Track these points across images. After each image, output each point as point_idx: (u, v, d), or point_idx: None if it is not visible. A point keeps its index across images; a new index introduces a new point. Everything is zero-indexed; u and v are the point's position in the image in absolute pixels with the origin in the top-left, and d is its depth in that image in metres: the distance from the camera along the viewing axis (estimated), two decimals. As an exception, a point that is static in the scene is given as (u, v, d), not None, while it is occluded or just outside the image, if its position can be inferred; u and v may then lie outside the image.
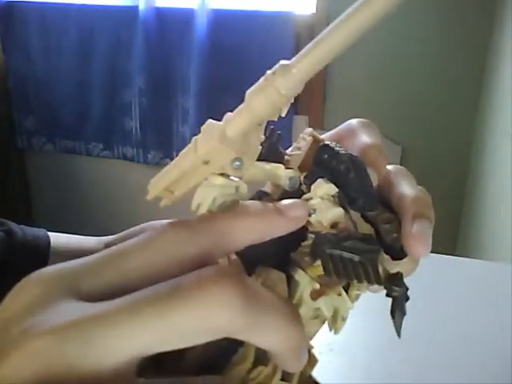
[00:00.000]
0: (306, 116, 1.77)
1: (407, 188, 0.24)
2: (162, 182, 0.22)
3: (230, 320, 0.17)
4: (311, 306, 0.22)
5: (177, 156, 0.22)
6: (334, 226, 0.22)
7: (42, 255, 0.42)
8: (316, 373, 0.25)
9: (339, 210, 0.22)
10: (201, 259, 0.20)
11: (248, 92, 0.20)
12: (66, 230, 0.47)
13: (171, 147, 1.88)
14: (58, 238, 0.44)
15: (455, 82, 1.63)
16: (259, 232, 0.21)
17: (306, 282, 0.22)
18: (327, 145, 0.24)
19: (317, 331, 0.23)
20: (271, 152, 0.25)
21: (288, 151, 0.27)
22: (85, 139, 1.98)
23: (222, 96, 1.71)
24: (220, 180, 0.21)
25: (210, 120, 0.21)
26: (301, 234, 0.22)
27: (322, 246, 0.21)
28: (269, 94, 0.19)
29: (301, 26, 1.67)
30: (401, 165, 0.26)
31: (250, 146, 0.21)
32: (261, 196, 0.25)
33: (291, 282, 0.22)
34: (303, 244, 0.23)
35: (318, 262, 0.22)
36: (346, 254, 0.21)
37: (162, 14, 1.76)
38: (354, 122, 0.28)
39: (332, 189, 0.23)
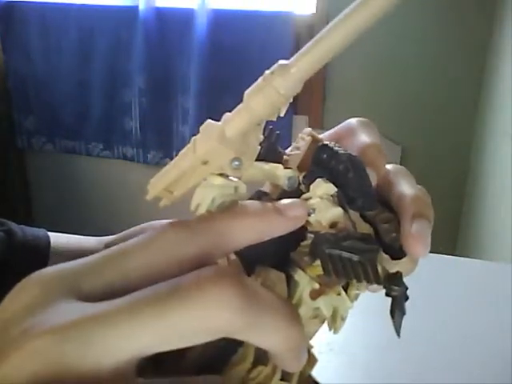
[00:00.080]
0: (306, 116, 1.77)
1: (406, 187, 0.24)
2: (162, 182, 0.22)
3: (230, 320, 0.17)
4: (311, 306, 0.22)
5: (176, 156, 0.22)
6: (333, 225, 0.22)
7: (41, 255, 0.42)
8: (315, 372, 0.25)
9: (338, 210, 0.22)
10: (200, 259, 0.20)
11: (247, 92, 0.20)
12: (65, 230, 0.47)
13: (171, 147, 1.88)
14: (57, 238, 0.44)
15: (455, 82, 1.63)
16: (258, 232, 0.21)
17: (305, 281, 0.22)
18: (326, 144, 0.24)
19: (316, 331, 0.23)
20: (270, 152, 0.25)
21: (287, 151, 0.27)
22: (85, 139, 1.98)
23: (221, 96, 1.71)
24: (219, 180, 0.21)
25: (209, 120, 0.21)
26: (300, 233, 0.22)
27: (321, 245, 0.21)
28: (268, 94, 0.19)
29: (301, 26, 1.67)
30: (400, 165, 0.26)
31: (249, 146, 0.21)
32: (260, 196, 0.25)
33: (290, 282, 0.22)
34: (302, 244, 0.23)
35: (318, 262, 0.22)
36: (345, 254, 0.21)
37: (162, 14, 1.76)
38: (352, 121, 0.28)
39: (331, 188, 0.23)
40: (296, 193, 0.24)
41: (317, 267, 0.22)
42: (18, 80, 1.95)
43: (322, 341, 0.52)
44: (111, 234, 0.43)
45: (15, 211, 2.09)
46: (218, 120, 0.21)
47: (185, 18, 1.72)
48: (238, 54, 1.72)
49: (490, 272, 0.66)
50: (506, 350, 0.51)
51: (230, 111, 0.21)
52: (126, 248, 0.20)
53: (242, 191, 0.22)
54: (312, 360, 0.24)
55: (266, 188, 0.28)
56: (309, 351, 0.24)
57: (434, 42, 1.61)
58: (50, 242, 0.43)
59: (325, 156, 0.23)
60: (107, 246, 0.42)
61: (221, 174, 0.21)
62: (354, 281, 0.21)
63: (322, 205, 0.22)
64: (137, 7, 1.74)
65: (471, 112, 1.63)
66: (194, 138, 0.21)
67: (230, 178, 0.22)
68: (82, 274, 0.19)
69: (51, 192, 2.13)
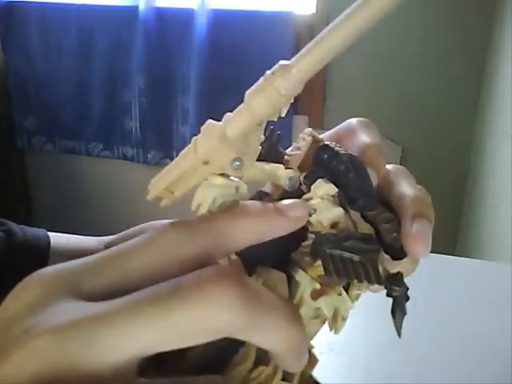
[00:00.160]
0: (306, 116, 1.77)
1: (407, 187, 0.24)
2: (162, 182, 0.22)
3: (231, 320, 0.17)
4: (312, 306, 0.22)
5: (177, 156, 0.22)
6: (334, 225, 0.22)
7: (42, 255, 0.42)
8: (316, 373, 0.25)
9: (339, 210, 0.22)
10: (201, 259, 0.20)
11: (247, 92, 0.20)
12: (65, 230, 0.47)
13: (171, 147, 1.88)
14: (57, 238, 0.44)
15: (455, 82, 1.63)
16: (259, 232, 0.21)
17: (306, 282, 0.22)
18: (327, 145, 0.24)
19: (317, 331, 0.23)
20: (271, 152, 0.25)
21: (288, 151, 0.27)
22: (85, 139, 1.98)
23: (222, 96, 1.71)
24: (220, 180, 0.21)
25: (210, 120, 0.21)
26: (301, 234, 0.22)
27: (322, 245, 0.21)
28: (268, 94, 0.19)
29: (301, 26, 1.67)
30: (401, 165, 0.26)
31: (250, 146, 0.21)
32: (261, 196, 0.25)
33: (292, 282, 0.22)
34: (303, 244, 0.23)
35: (319, 262, 0.22)
36: (346, 254, 0.21)
37: (162, 14, 1.76)
38: (353, 121, 0.28)
39: (332, 189, 0.23)
40: (297, 193, 0.24)
41: (318, 267, 0.22)
42: (18, 80, 1.95)
43: (323, 341, 0.52)
44: (111, 234, 0.43)
45: (15, 211, 2.09)
46: (219, 120, 0.21)
47: (185, 18, 1.72)
48: (238, 54, 1.72)
49: (489, 272, 0.66)
50: (506, 350, 0.51)
51: (230, 111, 0.21)
52: (127, 248, 0.20)
53: (243, 191, 0.22)
54: (313, 360, 0.24)
55: (267, 188, 0.28)
56: (310, 351, 0.24)
57: (434, 42, 1.61)
58: (49, 242, 0.43)
59: (325, 156, 0.23)
60: (107, 246, 0.42)
61: (222, 174, 0.21)
62: (355, 281, 0.21)
63: (322, 205, 0.22)
64: (137, 7, 1.74)
65: (471, 112, 1.63)
66: (194, 138, 0.21)
67: (231, 178, 0.22)
68: (82, 273, 0.19)
69: (51, 192, 2.13)
